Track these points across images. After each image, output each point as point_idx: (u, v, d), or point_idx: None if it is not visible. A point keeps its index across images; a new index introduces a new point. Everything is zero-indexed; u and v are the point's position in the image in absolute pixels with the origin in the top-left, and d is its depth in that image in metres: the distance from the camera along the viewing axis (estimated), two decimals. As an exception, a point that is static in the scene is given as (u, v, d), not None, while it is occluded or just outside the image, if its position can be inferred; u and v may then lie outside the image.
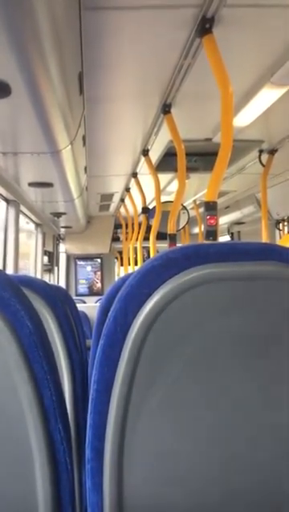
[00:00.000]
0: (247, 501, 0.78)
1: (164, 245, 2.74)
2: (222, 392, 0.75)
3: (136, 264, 5.53)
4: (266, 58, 1.97)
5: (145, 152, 3.34)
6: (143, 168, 3.73)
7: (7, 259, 3.32)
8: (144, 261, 4.73)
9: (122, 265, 7.19)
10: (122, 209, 5.77)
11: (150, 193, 4.03)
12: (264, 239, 3.57)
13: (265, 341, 0.75)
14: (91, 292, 7.30)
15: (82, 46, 1.72)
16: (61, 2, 1.21)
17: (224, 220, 5.89)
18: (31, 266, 4.91)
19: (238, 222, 6.05)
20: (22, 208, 3.67)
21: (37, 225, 4.83)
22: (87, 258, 7.32)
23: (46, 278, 5.92)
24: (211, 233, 2.00)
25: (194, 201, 5.36)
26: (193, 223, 6.48)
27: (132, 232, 5.27)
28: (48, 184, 3.03)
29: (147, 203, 4.45)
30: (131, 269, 5.80)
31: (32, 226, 4.79)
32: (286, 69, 1.99)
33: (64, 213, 4.42)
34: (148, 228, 3.96)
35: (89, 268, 7.39)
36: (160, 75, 2.12)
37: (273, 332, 0.75)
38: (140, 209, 4.57)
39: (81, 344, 1.90)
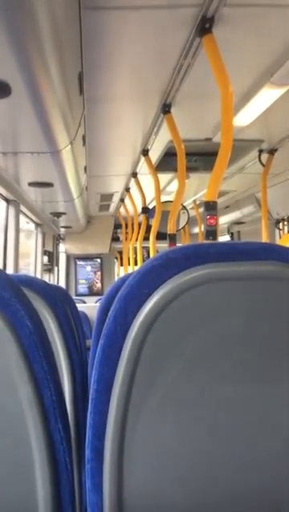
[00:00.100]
0: (247, 501, 0.78)
1: (164, 245, 2.73)
2: (222, 392, 0.75)
3: (135, 264, 5.53)
4: (266, 58, 1.97)
5: (145, 152, 3.34)
6: (143, 168, 3.73)
7: (7, 259, 3.33)
8: (144, 261, 4.73)
9: (122, 265, 7.19)
10: (122, 209, 5.77)
11: (150, 193, 4.03)
12: (264, 239, 3.57)
13: (265, 341, 0.75)
14: (91, 292, 7.30)
15: (82, 46, 1.72)
16: (61, 2, 1.21)
17: (224, 220, 5.89)
18: (31, 266, 4.91)
19: (238, 222, 6.05)
20: (22, 208, 3.67)
21: (37, 224, 4.83)
22: (86, 257, 7.32)
23: (46, 278, 5.92)
24: (211, 232, 2.00)
25: (194, 201, 5.36)
26: (193, 223, 6.48)
27: (132, 232, 5.26)
28: (48, 184, 3.03)
29: (147, 203, 4.45)
30: (131, 269, 5.80)
31: (31, 226, 4.79)
32: (286, 69, 1.99)
33: (64, 213, 4.43)
34: (148, 228, 3.96)
35: (89, 268, 7.39)
36: (160, 75, 2.12)
37: (273, 332, 0.75)
38: (139, 209, 4.57)
39: (81, 344, 1.90)
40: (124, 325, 0.73)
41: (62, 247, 6.87)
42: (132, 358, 0.73)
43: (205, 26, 1.64)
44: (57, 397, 0.80)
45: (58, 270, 6.62)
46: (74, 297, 6.57)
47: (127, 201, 5.12)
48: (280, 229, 4.96)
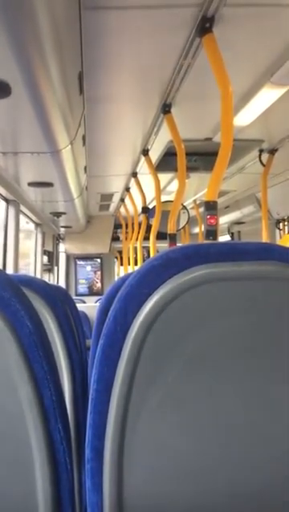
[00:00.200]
0: (247, 501, 0.78)
1: (164, 245, 2.73)
2: (222, 392, 0.75)
3: (136, 264, 5.53)
4: (266, 58, 1.97)
5: (145, 152, 3.34)
6: (143, 168, 3.73)
7: (7, 259, 3.33)
8: (144, 261, 4.73)
9: (122, 265, 7.19)
10: (122, 209, 5.77)
11: (150, 193, 4.03)
12: (264, 239, 3.57)
13: (265, 341, 0.75)
14: (91, 292, 7.31)
15: (82, 46, 1.72)
16: (61, 2, 1.21)
17: (224, 219, 5.89)
18: (31, 265, 4.91)
19: (238, 222, 6.05)
20: (22, 208, 3.67)
21: (37, 224, 4.83)
22: (86, 257, 7.32)
23: (46, 277, 5.92)
24: (211, 232, 2.00)
25: (194, 201, 5.36)
26: (193, 223, 6.48)
27: (132, 232, 5.27)
28: (48, 184, 3.03)
29: (147, 203, 4.45)
30: (131, 269, 5.80)
31: (30, 226, 4.79)
32: (286, 69, 1.99)
33: (64, 213, 4.43)
34: (148, 228, 3.96)
35: (89, 268, 7.39)
36: (160, 74, 2.12)
37: (273, 332, 0.75)
38: (140, 209, 4.57)
39: (81, 344, 1.90)
40: (124, 325, 0.73)
41: (62, 247, 6.87)
42: (132, 358, 0.73)
43: (205, 26, 1.64)
44: (57, 397, 0.80)
45: (58, 270, 6.62)
46: (74, 297, 6.57)
47: (127, 200, 5.12)
48: (280, 229, 4.96)
